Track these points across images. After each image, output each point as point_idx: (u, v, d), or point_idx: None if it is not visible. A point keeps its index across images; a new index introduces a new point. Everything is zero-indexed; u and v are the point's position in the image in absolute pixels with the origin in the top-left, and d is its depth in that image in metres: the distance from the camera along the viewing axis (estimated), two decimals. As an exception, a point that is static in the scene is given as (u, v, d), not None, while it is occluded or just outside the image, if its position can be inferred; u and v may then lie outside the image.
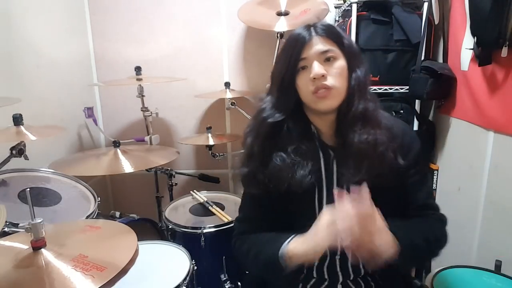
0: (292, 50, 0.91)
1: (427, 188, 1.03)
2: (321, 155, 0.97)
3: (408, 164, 0.94)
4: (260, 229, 1.00)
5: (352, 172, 0.90)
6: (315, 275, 1.02)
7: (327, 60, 0.90)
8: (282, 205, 0.98)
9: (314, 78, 0.88)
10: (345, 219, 0.79)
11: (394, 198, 0.94)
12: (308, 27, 0.92)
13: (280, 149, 0.95)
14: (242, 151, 1.04)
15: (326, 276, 1.01)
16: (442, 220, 1.01)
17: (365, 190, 0.80)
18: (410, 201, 0.98)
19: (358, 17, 1.75)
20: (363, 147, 0.89)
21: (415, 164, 0.97)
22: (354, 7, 1.73)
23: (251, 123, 1.02)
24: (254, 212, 1.05)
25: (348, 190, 0.90)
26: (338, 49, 0.91)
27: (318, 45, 0.89)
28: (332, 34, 0.91)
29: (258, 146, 0.97)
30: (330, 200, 0.93)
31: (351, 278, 1.01)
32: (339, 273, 1.00)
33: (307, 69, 0.90)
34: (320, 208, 0.97)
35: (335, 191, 0.91)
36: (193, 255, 1.42)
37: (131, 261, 0.87)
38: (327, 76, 0.88)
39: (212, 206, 1.87)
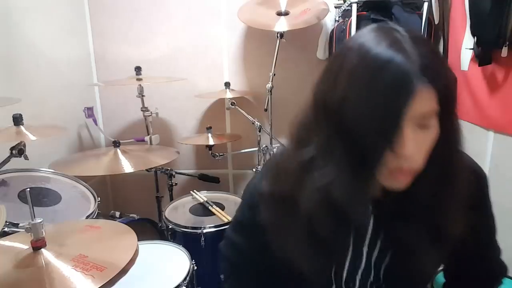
0: (388, 96, 0.53)
1: (495, 245, 0.86)
2: None
3: (480, 212, 0.76)
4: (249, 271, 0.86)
5: (419, 240, 0.65)
6: None
7: (423, 126, 0.57)
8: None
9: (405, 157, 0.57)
10: None
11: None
12: (405, 59, 0.53)
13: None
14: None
15: None
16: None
17: None
18: (471, 260, 0.82)
19: (358, 17, 1.74)
20: (437, 201, 0.64)
21: (482, 211, 0.79)
22: (354, 7, 1.73)
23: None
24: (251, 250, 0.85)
25: (380, 247, 0.73)
26: (437, 100, 0.55)
27: (423, 102, 0.53)
28: (437, 70, 0.55)
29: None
30: (355, 259, 0.75)
31: None
32: None
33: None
34: (340, 262, 0.75)
35: (365, 249, 0.74)
36: (193, 255, 1.42)
37: (131, 261, 0.87)
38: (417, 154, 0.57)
39: (212, 206, 1.87)
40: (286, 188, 0.66)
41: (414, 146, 0.55)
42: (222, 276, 1.01)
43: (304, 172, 0.63)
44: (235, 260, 0.90)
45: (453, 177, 0.64)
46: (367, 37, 0.57)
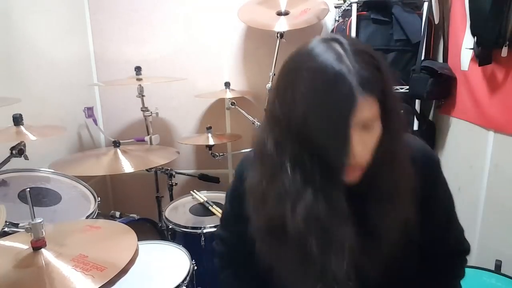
0: (332, 112, 0.61)
1: (455, 224, 0.89)
2: None
3: (434, 192, 0.82)
4: (244, 259, 0.89)
5: (383, 214, 0.72)
6: None
7: (366, 127, 0.65)
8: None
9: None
10: None
11: (417, 233, 0.78)
12: (349, 72, 0.60)
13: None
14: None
15: None
16: (462, 275, 0.89)
17: None
18: (435, 241, 0.86)
19: (358, 17, 1.75)
20: (394, 185, 0.72)
21: (440, 190, 0.85)
22: (354, 7, 1.73)
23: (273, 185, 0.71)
24: (238, 239, 0.90)
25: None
26: (377, 104, 0.64)
27: (365, 111, 0.62)
28: (375, 85, 0.62)
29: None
30: None
31: None
32: None
33: None
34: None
35: None
36: (193, 255, 1.42)
37: (131, 261, 0.87)
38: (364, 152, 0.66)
39: (212, 206, 1.87)
40: (273, 215, 0.71)
41: (361, 146, 0.64)
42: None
43: (286, 193, 0.68)
44: (225, 253, 0.98)
45: (398, 163, 0.72)
46: (313, 53, 0.64)
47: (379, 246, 0.72)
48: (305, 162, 0.67)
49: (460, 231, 0.90)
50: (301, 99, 0.63)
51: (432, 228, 0.83)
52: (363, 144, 0.64)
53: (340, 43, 0.64)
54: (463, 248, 0.90)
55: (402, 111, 0.74)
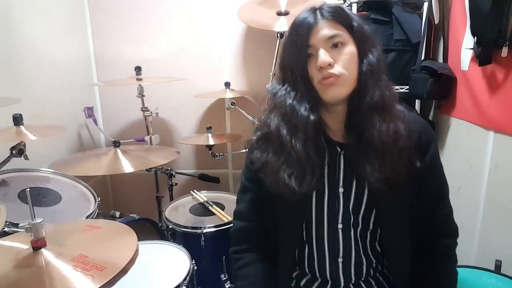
0: (298, 37, 0.83)
1: (447, 202, 0.95)
2: (326, 152, 0.90)
3: (426, 165, 0.88)
4: (259, 232, 1.01)
5: (374, 169, 0.82)
6: (318, 277, 1.00)
7: (335, 46, 0.82)
8: (274, 201, 0.94)
9: (321, 67, 0.81)
10: None
11: (408, 201, 0.90)
12: (313, 10, 0.85)
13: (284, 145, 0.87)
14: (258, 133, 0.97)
15: (328, 278, 0.98)
16: (452, 261, 0.95)
17: None
18: (427, 215, 0.93)
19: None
20: (385, 140, 0.81)
21: (433, 167, 0.91)
22: (354, 7, 1.73)
23: (281, 119, 0.88)
24: (250, 208, 1.02)
25: (355, 190, 0.90)
26: (347, 33, 0.83)
27: (324, 30, 0.82)
28: (339, 17, 0.83)
29: (290, 144, 0.86)
30: (333, 201, 0.92)
31: (353, 281, 0.97)
32: (341, 276, 0.96)
33: (314, 57, 0.83)
34: (319, 209, 0.93)
35: (341, 190, 0.91)
36: (193, 255, 1.42)
37: (131, 261, 0.87)
38: (334, 64, 0.81)
39: (212, 206, 1.87)
40: (266, 126, 0.90)
41: (326, 57, 0.81)
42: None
43: (274, 108, 0.89)
44: (240, 228, 1.04)
45: (390, 120, 0.83)
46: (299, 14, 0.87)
47: (378, 155, 0.83)
48: (290, 83, 0.87)
49: (450, 211, 0.96)
50: (284, 41, 0.89)
51: (426, 201, 0.92)
52: (328, 55, 0.81)
53: (322, 4, 0.86)
54: (452, 228, 0.96)
55: (377, 54, 0.86)
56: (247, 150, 1.01)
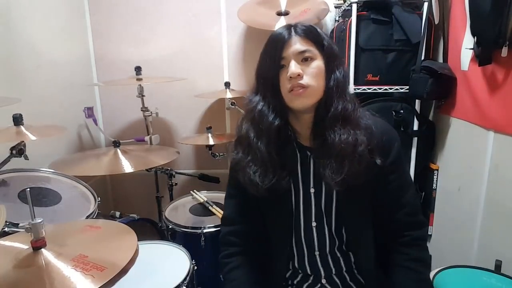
0: (272, 50, 0.93)
1: (410, 196, 1.01)
2: (298, 156, 1.00)
3: (387, 164, 0.96)
4: (244, 235, 1.07)
5: (332, 172, 0.91)
6: (300, 272, 1.08)
7: (305, 60, 0.92)
8: (259, 204, 1.03)
9: (291, 77, 0.90)
10: None
11: (371, 199, 0.98)
12: (288, 26, 0.95)
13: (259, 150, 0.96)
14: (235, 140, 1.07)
15: (309, 272, 1.06)
16: (423, 250, 1.01)
17: None
18: (391, 209, 1.00)
19: (358, 17, 1.75)
20: (343, 147, 0.90)
21: (395, 165, 0.98)
22: (354, 7, 1.73)
23: (250, 123, 0.99)
24: (236, 212, 1.09)
25: (325, 190, 0.99)
26: (316, 49, 0.93)
27: (297, 45, 0.92)
28: (311, 34, 0.93)
29: (256, 145, 0.97)
30: (307, 200, 1.01)
31: (334, 272, 1.05)
32: (321, 268, 1.05)
33: (286, 68, 0.92)
34: (297, 208, 1.02)
35: (312, 190, 1.00)
36: (193, 255, 1.42)
37: (131, 261, 0.87)
38: (303, 75, 0.90)
39: (212, 206, 1.87)
40: (239, 130, 1.02)
41: (296, 68, 0.89)
42: (221, 276, 1.09)
43: (247, 114, 1.00)
44: (227, 232, 1.09)
45: (351, 129, 0.91)
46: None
47: (337, 159, 0.91)
48: (262, 92, 0.97)
49: (415, 204, 1.03)
50: (261, 54, 0.98)
51: (391, 195, 0.99)
52: (298, 67, 0.90)
53: (294, 25, 0.95)
54: (419, 220, 1.02)
55: (343, 72, 0.95)
56: (226, 153, 1.12)
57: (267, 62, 0.95)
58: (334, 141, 0.91)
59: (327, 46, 0.94)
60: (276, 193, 0.96)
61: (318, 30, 0.95)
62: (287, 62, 0.92)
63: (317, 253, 1.04)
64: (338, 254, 1.05)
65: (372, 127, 0.95)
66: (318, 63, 0.92)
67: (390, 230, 1.01)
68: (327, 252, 1.04)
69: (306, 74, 0.90)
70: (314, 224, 1.02)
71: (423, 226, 1.03)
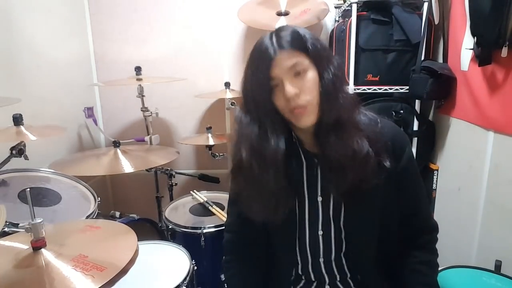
0: (260, 70, 0.85)
1: (423, 201, 1.00)
2: (304, 162, 0.96)
3: (400, 169, 0.91)
4: (246, 243, 1.06)
5: (337, 182, 0.87)
6: (303, 278, 1.05)
7: (297, 74, 0.84)
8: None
9: (288, 98, 0.83)
10: None
11: (381, 204, 0.93)
12: (271, 40, 0.85)
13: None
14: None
15: (313, 278, 1.04)
16: (433, 254, 0.99)
17: None
18: (405, 215, 0.97)
19: (358, 17, 1.75)
20: (342, 159, 0.85)
21: (408, 171, 0.94)
22: (354, 7, 1.73)
23: (249, 153, 0.89)
24: (237, 221, 1.06)
25: (333, 197, 0.95)
26: (305, 57, 0.84)
27: (285, 61, 0.83)
28: (295, 43, 0.84)
29: (261, 179, 0.89)
30: (313, 209, 0.97)
31: (338, 279, 1.02)
32: (325, 275, 1.02)
33: (280, 86, 0.85)
34: (302, 217, 0.98)
35: (319, 198, 0.96)
36: (193, 255, 1.42)
37: (131, 261, 0.87)
38: (299, 94, 0.83)
39: (212, 206, 1.87)
40: (238, 153, 0.91)
41: (292, 88, 0.82)
42: (222, 276, 1.09)
43: (242, 138, 0.90)
44: (230, 239, 1.09)
45: (348, 137, 0.85)
46: (259, 40, 0.88)
47: (338, 172, 0.86)
48: (255, 115, 0.88)
49: (428, 208, 1.01)
50: (245, 70, 0.90)
51: (405, 201, 0.95)
52: (296, 87, 0.83)
53: (278, 29, 0.88)
54: (432, 224, 1.00)
55: (334, 69, 0.87)
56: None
57: (255, 84, 0.86)
58: (330, 154, 0.85)
59: (313, 47, 0.85)
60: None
61: (300, 33, 0.86)
62: (279, 81, 0.84)
63: (321, 259, 1.00)
64: (343, 261, 1.01)
65: (376, 130, 0.89)
66: (311, 74, 0.84)
67: (402, 235, 0.98)
68: (332, 258, 1.00)
69: (302, 92, 0.83)
70: (320, 232, 0.98)
71: (435, 230, 1.00)
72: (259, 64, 0.85)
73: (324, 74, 0.85)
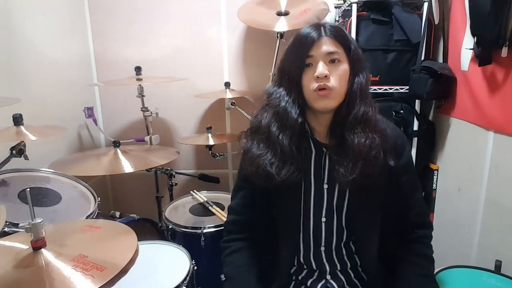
0: (301, 47, 0.94)
1: (419, 198, 1.07)
2: (313, 152, 1.02)
3: (400, 166, 1.00)
4: (247, 225, 1.10)
5: (346, 170, 0.93)
6: (305, 267, 1.09)
7: (332, 61, 0.93)
8: (268, 199, 1.03)
9: (318, 77, 0.91)
10: None
11: (382, 198, 1.00)
12: (318, 26, 0.95)
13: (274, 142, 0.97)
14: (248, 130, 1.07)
15: (314, 267, 1.08)
16: (429, 248, 1.05)
17: None
18: (402, 210, 1.04)
19: (358, 17, 1.75)
20: (361, 149, 0.92)
21: (407, 167, 1.03)
22: (354, 7, 1.73)
23: (266, 110, 1.01)
24: (242, 204, 1.11)
25: (338, 187, 1.01)
26: (344, 52, 0.94)
27: (326, 45, 0.92)
28: (340, 36, 0.94)
29: (277, 139, 0.97)
30: (319, 196, 1.03)
31: (338, 268, 1.07)
32: (326, 264, 1.06)
33: (312, 67, 0.93)
34: (307, 203, 1.03)
35: (325, 186, 1.02)
36: (193, 255, 1.42)
37: (131, 261, 0.87)
38: (329, 76, 0.91)
39: (212, 206, 1.87)
40: (257, 120, 1.01)
41: (323, 69, 0.91)
42: (222, 276, 1.10)
43: (268, 106, 1.00)
44: (232, 220, 1.13)
45: (369, 132, 0.94)
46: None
47: (353, 159, 0.93)
48: (286, 87, 0.98)
49: (423, 206, 1.08)
50: (286, 49, 0.99)
51: (401, 196, 1.03)
52: (328, 70, 0.91)
53: (324, 25, 0.95)
54: (427, 221, 1.07)
55: (366, 76, 0.97)
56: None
57: (293, 59, 0.96)
58: (353, 142, 0.93)
59: (354, 49, 0.95)
60: (287, 187, 0.96)
61: (346, 32, 0.96)
62: (314, 61, 0.93)
63: (322, 248, 1.05)
64: (344, 251, 1.07)
65: (387, 131, 0.98)
66: (344, 67, 0.94)
67: (398, 229, 1.05)
68: (333, 247, 1.05)
69: (332, 76, 0.92)
70: (324, 219, 1.04)
71: (429, 227, 1.07)
72: (301, 42, 0.94)
73: (359, 75, 0.95)
